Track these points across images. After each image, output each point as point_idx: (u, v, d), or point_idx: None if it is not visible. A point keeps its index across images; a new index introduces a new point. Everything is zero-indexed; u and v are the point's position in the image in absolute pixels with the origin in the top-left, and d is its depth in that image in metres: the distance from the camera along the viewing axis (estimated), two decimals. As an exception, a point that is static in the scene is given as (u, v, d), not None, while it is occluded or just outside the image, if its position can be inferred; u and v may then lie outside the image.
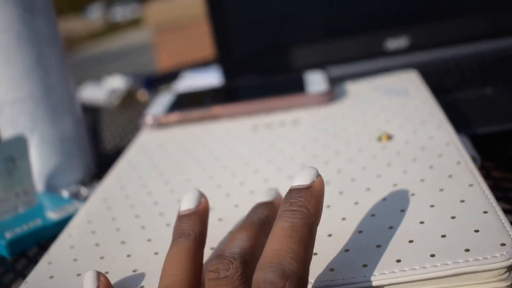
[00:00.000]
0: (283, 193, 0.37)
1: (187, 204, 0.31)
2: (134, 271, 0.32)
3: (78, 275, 0.32)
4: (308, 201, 0.26)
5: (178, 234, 0.29)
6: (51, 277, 0.33)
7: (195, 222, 0.30)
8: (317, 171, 0.28)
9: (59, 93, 0.56)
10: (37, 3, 0.53)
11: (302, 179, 0.27)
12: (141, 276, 0.31)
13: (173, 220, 0.36)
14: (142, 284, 0.30)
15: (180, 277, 0.27)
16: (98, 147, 0.73)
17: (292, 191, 0.27)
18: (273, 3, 0.73)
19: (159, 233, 0.35)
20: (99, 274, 0.29)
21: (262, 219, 0.29)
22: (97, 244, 0.35)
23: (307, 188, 0.27)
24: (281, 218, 0.25)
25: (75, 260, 0.34)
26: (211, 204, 0.37)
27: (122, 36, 7.67)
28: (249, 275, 0.25)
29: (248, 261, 0.25)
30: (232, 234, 0.28)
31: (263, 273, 0.23)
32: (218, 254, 0.26)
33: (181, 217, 0.30)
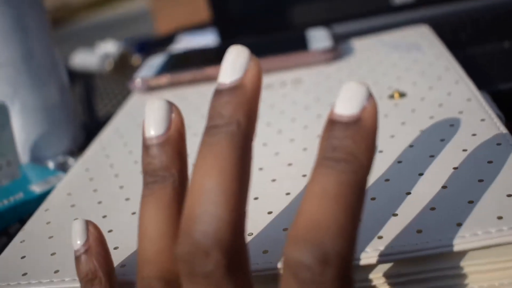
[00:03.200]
0: (282, 157, 0.33)
1: (153, 127, 0.22)
2: (115, 248, 0.28)
3: (53, 254, 0.29)
4: (358, 145, 0.18)
5: (150, 177, 0.22)
6: (23, 257, 0.29)
7: (169, 156, 0.22)
8: (368, 91, 0.19)
9: (41, 58, 0.51)
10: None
11: (347, 105, 0.19)
12: (123, 252, 0.27)
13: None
14: (123, 261, 0.27)
15: (163, 247, 0.21)
16: (91, 114, 0.69)
17: (335, 125, 0.19)
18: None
19: None
20: (88, 224, 0.24)
21: (234, 133, 0.19)
22: (76, 219, 0.32)
23: (356, 122, 0.19)
24: (321, 168, 0.18)
25: (51, 237, 0.30)
26: None
27: (122, 3, 7.57)
28: (235, 263, 0.19)
29: (231, 244, 0.18)
30: (197, 179, 0.19)
31: (298, 252, 0.17)
32: (187, 231, 0.19)
33: (148, 148, 0.22)
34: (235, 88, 0.20)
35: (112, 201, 0.33)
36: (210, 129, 0.20)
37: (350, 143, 0.18)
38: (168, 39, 0.98)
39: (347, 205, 0.18)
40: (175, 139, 0.22)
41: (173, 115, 0.22)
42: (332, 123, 0.19)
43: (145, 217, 0.21)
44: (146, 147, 0.22)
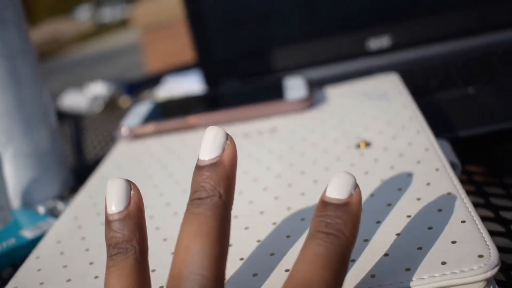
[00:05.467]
0: (260, 199, 0.36)
1: (115, 204, 0.25)
2: None
3: None
4: (346, 224, 0.23)
5: (113, 250, 0.24)
6: None
7: (130, 229, 0.24)
8: (355, 181, 0.24)
9: (33, 106, 0.54)
10: (7, 15, 0.52)
11: (338, 191, 0.23)
12: None
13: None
14: None
15: None
16: (79, 157, 0.71)
17: (328, 206, 0.23)
18: (253, 6, 0.72)
19: None
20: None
21: (216, 205, 0.23)
22: (65, 266, 0.34)
23: (345, 205, 0.23)
24: (314, 239, 0.22)
25: (41, 284, 0.33)
26: None
27: (111, 37, 7.64)
28: None
29: None
30: (183, 243, 0.23)
31: None
32: (175, 280, 0.22)
33: (110, 223, 0.24)
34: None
35: (98, 249, 0.35)
36: (194, 200, 0.23)
37: (339, 222, 0.23)
38: (156, 80, 1.02)
39: (333, 269, 0.21)
40: (135, 214, 0.25)
41: (132, 192, 0.25)
42: (325, 203, 0.23)
43: (109, 282, 0.24)
44: (108, 222, 0.25)
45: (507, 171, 0.44)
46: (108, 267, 0.24)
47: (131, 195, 0.25)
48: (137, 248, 0.24)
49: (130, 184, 0.25)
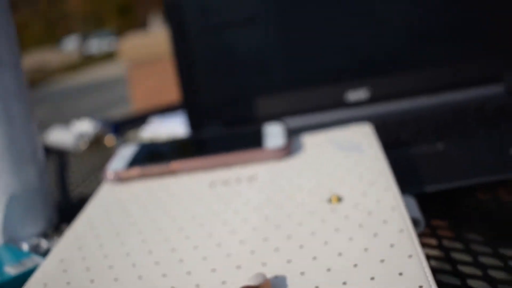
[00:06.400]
0: (237, 253, 0.38)
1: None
2: None
3: None
4: None
5: None
6: None
7: None
8: (265, 276, 0.33)
9: (23, 145, 0.57)
10: (4, 57, 0.55)
11: (255, 281, 0.33)
12: None
13: (127, 285, 0.37)
14: None
15: None
16: (63, 193, 0.73)
17: None
18: (239, 55, 0.75)
19: None
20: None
21: None
22: None
23: None
24: None
25: None
26: (164, 270, 0.38)
27: (98, 69, 7.68)
28: None
29: None
30: None
31: None
32: None
33: None
34: None
35: None
36: None
37: None
38: (141, 120, 1.04)
39: None
40: None
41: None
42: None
43: None
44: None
45: (470, 226, 0.47)
46: None
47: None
48: None
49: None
